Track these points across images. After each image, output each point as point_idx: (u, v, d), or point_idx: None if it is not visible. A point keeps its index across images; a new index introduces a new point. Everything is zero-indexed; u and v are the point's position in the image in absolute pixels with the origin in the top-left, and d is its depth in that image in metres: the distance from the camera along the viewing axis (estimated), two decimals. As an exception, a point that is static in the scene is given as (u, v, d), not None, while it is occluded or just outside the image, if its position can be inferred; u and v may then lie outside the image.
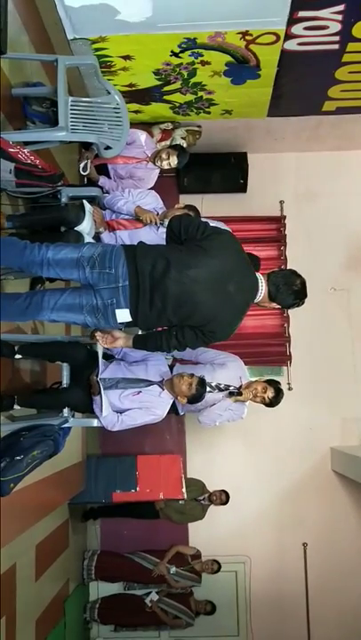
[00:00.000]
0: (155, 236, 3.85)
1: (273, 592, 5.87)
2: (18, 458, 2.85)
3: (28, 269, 2.81)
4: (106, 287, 2.66)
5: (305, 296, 2.88)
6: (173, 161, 4.17)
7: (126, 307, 2.67)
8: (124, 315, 2.69)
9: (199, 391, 3.51)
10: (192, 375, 3.54)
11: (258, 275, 2.84)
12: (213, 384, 3.86)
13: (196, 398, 3.54)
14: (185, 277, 2.66)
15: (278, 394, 3.92)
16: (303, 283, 2.86)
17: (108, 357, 3.77)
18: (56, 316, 2.77)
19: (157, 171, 4.27)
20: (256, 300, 2.83)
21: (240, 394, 3.87)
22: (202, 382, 3.55)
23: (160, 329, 2.88)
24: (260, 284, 2.81)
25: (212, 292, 2.70)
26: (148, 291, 2.65)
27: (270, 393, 3.88)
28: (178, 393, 3.50)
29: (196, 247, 2.77)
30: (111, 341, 2.99)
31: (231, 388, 3.90)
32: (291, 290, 2.83)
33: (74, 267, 2.70)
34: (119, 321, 2.70)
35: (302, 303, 2.90)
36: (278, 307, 2.91)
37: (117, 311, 2.67)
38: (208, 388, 3.74)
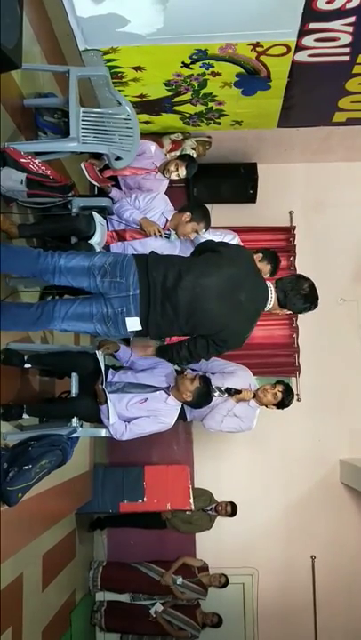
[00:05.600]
0: (166, 241, 3.82)
1: (281, 605, 5.81)
2: (26, 467, 2.85)
3: (41, 277, 2.84)
4: (116, 296, 2.69)
5: (316, 299, 2.88)
6: (182, 172, 4.19)
7: (136, 315, 2.69)
8: (134, 323, 2.71)
9: (203, 386, 3.49)
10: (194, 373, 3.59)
11: (268, 283, 2.86)
12: (215, 387, 3.90)
13: (201, 396, 3.52)
14: (197, 286, 2.69)
15: (288, 391, 3.98)
16: (312, 285, 2.87)
17: (118, 367, 3.77)
18: (67, 325, 2.80)
19: (166, 182, 4.28)
20: (267, 309, 2.86)
21: (239, 392, 3.94)
22: (205, 379, 3.56)
23: (174, 338, 2.96)
24: (270, 293, 2.83)
25: (223, 300, 2.72)
26: (160, 300, 2.67)
27: (279, 388, 3.94)
28: (182, 390, 3.49)
29: (208, 258, 2.81)
30: (143, 351, 3.06)
31: (224, 389, 3.96)
32: (299, 294, 2.84)
33: (85, 275, 2.73)
34: (129, 329, 2.73)
35: (315, 306, 2.89)
36: (290, 312, 2.93)
37: (128, 319, 2.70)
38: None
